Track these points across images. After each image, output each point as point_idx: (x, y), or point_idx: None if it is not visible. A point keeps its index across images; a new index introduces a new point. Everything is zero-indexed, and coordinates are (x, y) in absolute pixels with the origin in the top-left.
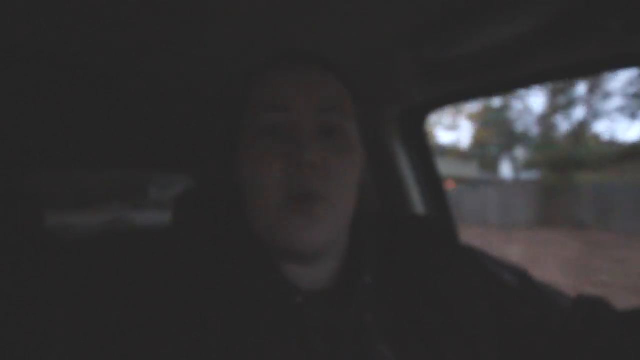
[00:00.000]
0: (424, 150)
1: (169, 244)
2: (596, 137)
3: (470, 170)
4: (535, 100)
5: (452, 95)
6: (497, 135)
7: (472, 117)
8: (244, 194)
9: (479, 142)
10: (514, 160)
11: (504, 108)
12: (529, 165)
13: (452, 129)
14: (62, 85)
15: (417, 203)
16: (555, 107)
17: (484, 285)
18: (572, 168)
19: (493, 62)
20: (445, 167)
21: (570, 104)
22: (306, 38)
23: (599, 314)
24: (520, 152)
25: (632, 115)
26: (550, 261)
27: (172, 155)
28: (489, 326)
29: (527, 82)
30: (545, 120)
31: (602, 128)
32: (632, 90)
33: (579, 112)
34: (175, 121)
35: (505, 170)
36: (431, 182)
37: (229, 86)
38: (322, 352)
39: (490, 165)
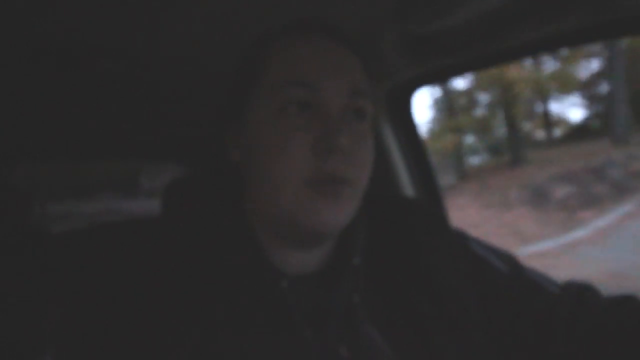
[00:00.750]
0: (411, 130)
1: (159, 234)
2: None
3: None
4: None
5: (437, 72)
6: None
7: None
8: (246, 174)
9: None
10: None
11: None
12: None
13: None
14: (47, 75)
15: (406, 184)
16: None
17: (472, 270)
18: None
19: (478, 35)
20: None
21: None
22: (290, 11)
23: (586, 299)
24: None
25: None
26: None
27: (163, 144)
28: (477, 310)
29: (515, 54)
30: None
31: None
32: None
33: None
34: (166, 107)
35: None
36: (419, 163)
37: (228, 62)
38: (308, 336)
39: None
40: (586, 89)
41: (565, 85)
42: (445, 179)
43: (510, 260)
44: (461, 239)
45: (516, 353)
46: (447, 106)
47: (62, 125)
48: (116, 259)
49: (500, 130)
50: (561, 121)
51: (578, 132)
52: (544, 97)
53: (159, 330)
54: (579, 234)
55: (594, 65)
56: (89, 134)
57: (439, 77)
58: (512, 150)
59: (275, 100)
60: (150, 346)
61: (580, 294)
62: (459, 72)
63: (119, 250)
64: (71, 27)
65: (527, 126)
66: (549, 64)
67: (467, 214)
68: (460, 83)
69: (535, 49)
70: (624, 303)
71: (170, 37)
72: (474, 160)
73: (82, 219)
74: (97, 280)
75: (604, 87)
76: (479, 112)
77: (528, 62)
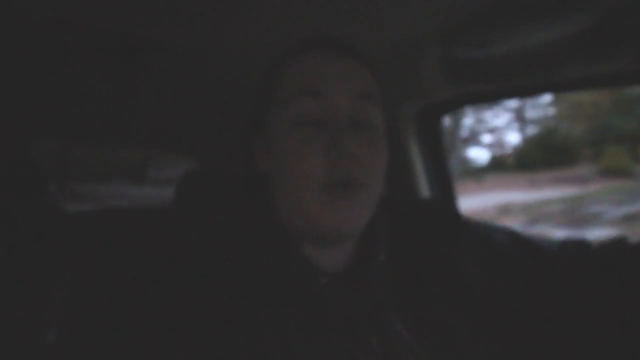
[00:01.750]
0: (437, 148)
1: (181, 224)
2: None
3: None
4: None
5: (471, 96)
6: None
7: None
8: (272, 181)
9: None
10: None
11: None
12: None
13: None
14: (66, 54)
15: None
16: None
17: (486, 257)
18: None
19: (519, 66)
20: None
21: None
22: (333, 26)
23: (582, 251)
24: None
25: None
26: None
27: (179, 136)
28: (493, 296)
29: (554, 88)
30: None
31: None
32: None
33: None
34: (188, 101)
35: None
36: (442, 180)
37: (250, 72)
38: (344, 329)
39: None
40: None
41: None
42: None
43: (512, 234)
44: (475, 231)
45: (531, 326)
46: None
47: (79, 106)
48: (131, 245)
49: None
50: None
51: None
52: None
53: (192, 323)
54: None
55: None
56: (105, 117)
57: (471, 101)
58: None
59: (290, 111)
60: (172, 340)
61: (576, 247)
62: (495, 98)
63: (133, 235)
64: (100, 11)
65: None
66: None
67: None
68: None
69: (576, 86)
70: (614, 245)
71: (198, 35)
72: None
73: (98, 200)
74: (112, 263)
75: None
76: None
77: None
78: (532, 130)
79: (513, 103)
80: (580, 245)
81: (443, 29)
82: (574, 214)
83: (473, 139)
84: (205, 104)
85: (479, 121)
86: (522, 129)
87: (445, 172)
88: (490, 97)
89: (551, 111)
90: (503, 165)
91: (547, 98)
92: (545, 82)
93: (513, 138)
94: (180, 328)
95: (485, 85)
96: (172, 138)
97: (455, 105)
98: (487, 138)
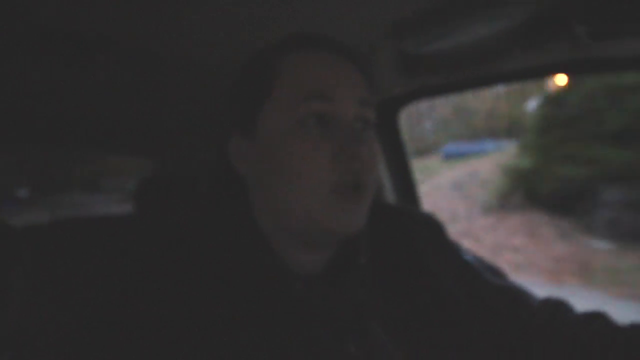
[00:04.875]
0: (396, 143)
1: (148, 231)
2: None
3: None
4: None
5: (426, 89)
6: None
7: None
8: (262, 182)
9: None
10: None
11: None
12: None
13: None
14: (13, 53)
15: (389, 194)
16: None
17: (463, 275)
18: None
19: (468, 59)
20: None
21: None
22: (289, 22)
23: (561, 313)
24: None
25: None
26: None
27: (138, 139)
28: (468, 312)
29: (500, 79)
30: None
31: None
32: None
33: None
34: (144, 101)
35: None
36: (403, 174)
37: (212, 70)
38: (320, 335)
39: None
40: None
41: None
42: None
43: (496, 272)
44: (454, 247)
45: (497, 354)
46: None
47: (28, 109)
48: (89, 256)
49: None
50: None
51: None
52: None
53: (161, 332)
54: None
55: None
56: (56, 120)
57: (426, 94)
58: None
59: (293, 113)
60: (147, 350)
61: (556, 308)
62: (446, 90)
63: (93, 247)
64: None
65: None
66: None
67: None
68: None
69: (518, 77)
70: (595, 319)
71: (165, 32)
72: None
73: (61, 207)
74: (75, 276)
75: None
76: None
77: None
78: None
79: None
80: (560, 307)
81: (394, 25)
82: None
83: None
84: (164, 104)
85: None
86: None
87: (406, 166)
88: (442, 90)
89: None
90: None
91: None
92: (492, 74)
93: None
94: (152, 340)
95: (436, 78)
96: (127, 140)
97: (411, 99)
98: None
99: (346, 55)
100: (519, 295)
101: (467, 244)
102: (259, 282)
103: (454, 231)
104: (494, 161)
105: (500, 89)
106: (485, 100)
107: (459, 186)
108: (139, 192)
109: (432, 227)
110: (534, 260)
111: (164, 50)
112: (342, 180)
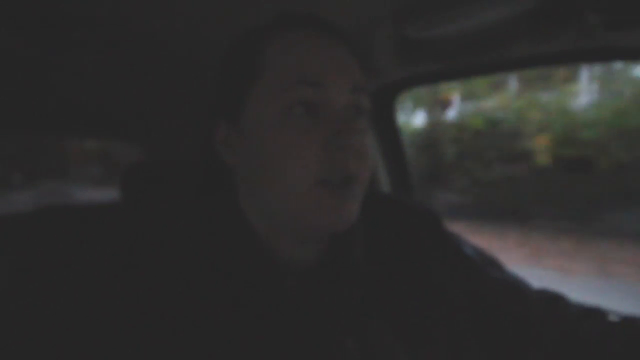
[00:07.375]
0: (392, 129)
1: (135, 221)
2: None
3: None
4: None
5: (425, 75)
6: None
7: None
8: (250, 173)
9: None
10: None
11: None
12: None
13: None
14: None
15: (384, 182)
16: None
17: (462, 267)
18: None
19: (471, 45)
20: None
21: None
22: (282, 5)
23: (558, 305)
24: None
25: None
26: None
27: (125, 124)
28: (465, 305)
29: (503, 67)
30: None
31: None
32: None
33: None
34: (135, 86)
35: None
36: (398, 162)
37: (209, 49)
38: (314, 329)
39: None
40: None
41: None
42: None
43: (495, 263)
44: (454, 240)
45: (496, 347)
46: None
47: (8, 94)
48: (76, 245)
49: None
50: None
51: None
52: None
53: (149, 325)
54: None
55: None
56: (39, 105)
57: (424, 81)
58: None
59: (279, 100)
60: (126, 347)
61: (553, 300)
62: (446, 77)
63: (78, 235)
64: None
65: None
66: None
67: None
68: None
69: (522, 64)
70: (591, 313)
71: (154, 15)
72: None
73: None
74: (59, 267)
75: None
76: None
77: None
78: None
79: None
80: (557, 299)
81: (395, 10)
82: None
83: None
84: (152, 88)
85: None
86: None
87: (402, 156)
88: (441, 76)
89: None
90: None
91: None
92: (494, 61)
93: None
94: (138, 332)
95: (436, 64)
96: (114, 125)
97: (408, 85)
98: None
99: (339, 37)
100: (516, 288)
101: None
102: (247, 277)
103: None
104: None
105: None
106: None
107: None
108: (125, 179)
109: (430, 220)
110: None
111: (152, 34)
112: (330, 173)
